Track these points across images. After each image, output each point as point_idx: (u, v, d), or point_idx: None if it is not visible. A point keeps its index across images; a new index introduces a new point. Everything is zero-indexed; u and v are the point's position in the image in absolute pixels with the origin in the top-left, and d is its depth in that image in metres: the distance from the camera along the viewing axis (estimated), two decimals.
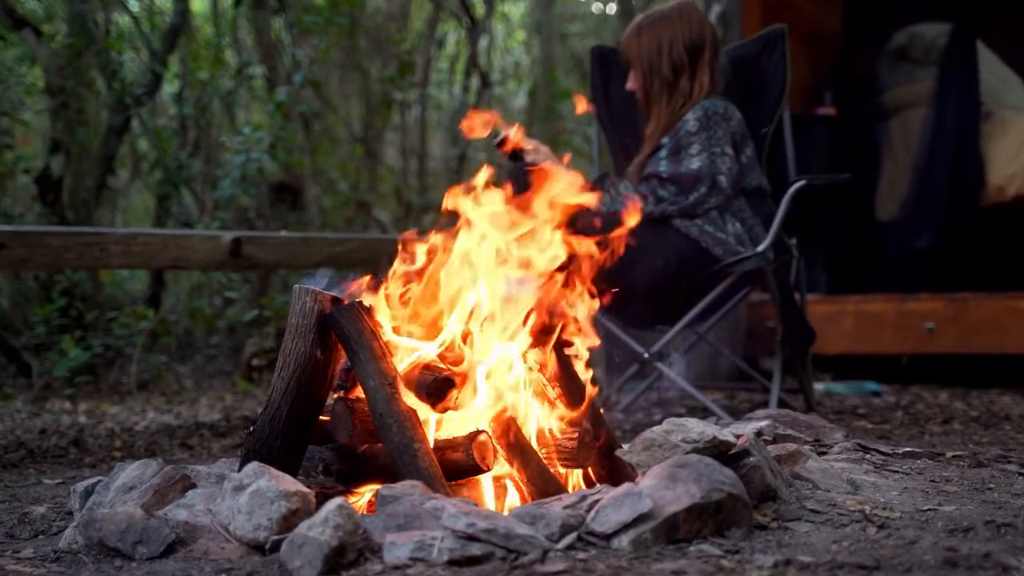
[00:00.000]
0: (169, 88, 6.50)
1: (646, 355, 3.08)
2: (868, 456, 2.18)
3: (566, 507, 1.64)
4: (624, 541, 1.54)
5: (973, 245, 4.66)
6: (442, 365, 1.89)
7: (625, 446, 1.81)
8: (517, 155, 2.88)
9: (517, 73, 9.73)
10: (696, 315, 3.10)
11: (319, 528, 1.48)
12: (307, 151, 6.01)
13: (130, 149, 6.34)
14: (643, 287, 3.00)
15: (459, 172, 7.03)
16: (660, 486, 1.62)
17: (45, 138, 5.86)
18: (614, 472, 1.93)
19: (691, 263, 3.03)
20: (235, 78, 6.10)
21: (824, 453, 2.20)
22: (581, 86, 8.51)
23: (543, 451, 1.91)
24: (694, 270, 3.03)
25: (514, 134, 2.79)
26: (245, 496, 1.65)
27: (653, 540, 1.55)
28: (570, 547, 1.53)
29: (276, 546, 1.57)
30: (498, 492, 1.90)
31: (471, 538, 1.51)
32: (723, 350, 3.67)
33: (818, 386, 4.16)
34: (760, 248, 2.99)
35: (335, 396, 1.93)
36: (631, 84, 3.24)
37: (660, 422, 1.83)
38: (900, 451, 2.24)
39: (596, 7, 10.39)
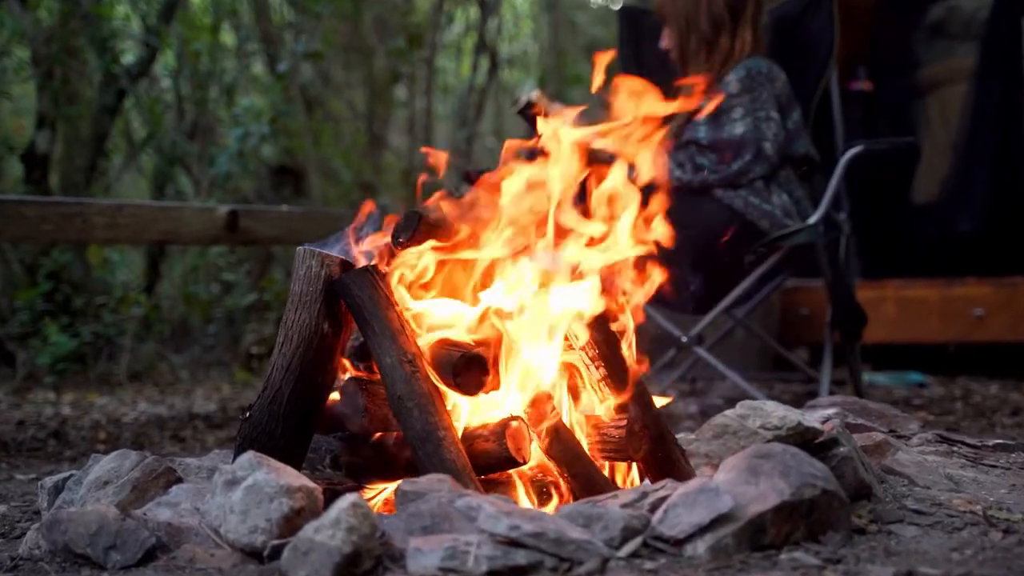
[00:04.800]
0: (166, 69, 6.21)
1: (684, 339, 2.80)
2: (956, 448, 1.91)
3: (624, 506, 1.37)
4: (700, 548, 1.27)
5: (1018, 228, 4.37)
6: (471, 341, 1.62)
7: (691, 434, 1.53)
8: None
9: (524, 61, 9.47)
10: (736, 297, 2.82)
11: (329, 531, 1.22)
12: (309, 133, 5.72)
13: (124, 130, 6.05)
14: (680, 264, 2.72)
15: (468, 155, 6.74)
16: (739, 481, 1.34)
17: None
18: (667, 466, 1.66)
19: (734, 237, 2.75)
20: (234, 55, 5.82)
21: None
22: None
23: (586, 442, 1.64)
24: (738, 245, 2.75)
25: (537, 98, 2.57)
26: (239, 492, 1.38)
27: (735, 547, 1.28)
28: (634, 555, 1.28)
29: (276, 552, 1.31)
30: (535, 489, 1.63)
31: (514, 543, 1.25)
32: (764, 336, 3.38)
33: None
34: (812, 220, 2.71)
35: (345, 376, 1.65)
36: (666, 43, 2.97)
37: (698, 414, 1.56)
38: (990, 443, 1.96)
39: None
